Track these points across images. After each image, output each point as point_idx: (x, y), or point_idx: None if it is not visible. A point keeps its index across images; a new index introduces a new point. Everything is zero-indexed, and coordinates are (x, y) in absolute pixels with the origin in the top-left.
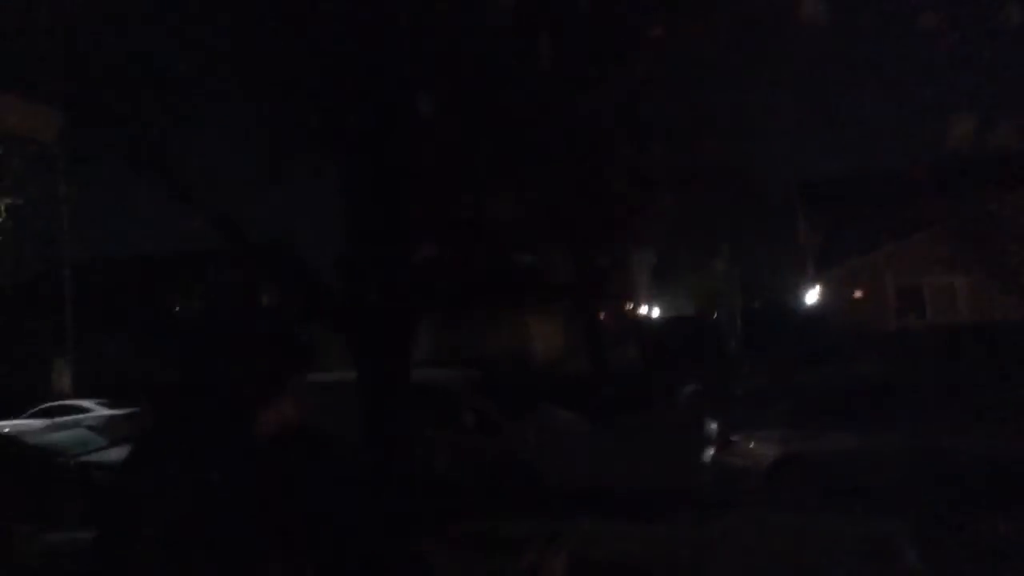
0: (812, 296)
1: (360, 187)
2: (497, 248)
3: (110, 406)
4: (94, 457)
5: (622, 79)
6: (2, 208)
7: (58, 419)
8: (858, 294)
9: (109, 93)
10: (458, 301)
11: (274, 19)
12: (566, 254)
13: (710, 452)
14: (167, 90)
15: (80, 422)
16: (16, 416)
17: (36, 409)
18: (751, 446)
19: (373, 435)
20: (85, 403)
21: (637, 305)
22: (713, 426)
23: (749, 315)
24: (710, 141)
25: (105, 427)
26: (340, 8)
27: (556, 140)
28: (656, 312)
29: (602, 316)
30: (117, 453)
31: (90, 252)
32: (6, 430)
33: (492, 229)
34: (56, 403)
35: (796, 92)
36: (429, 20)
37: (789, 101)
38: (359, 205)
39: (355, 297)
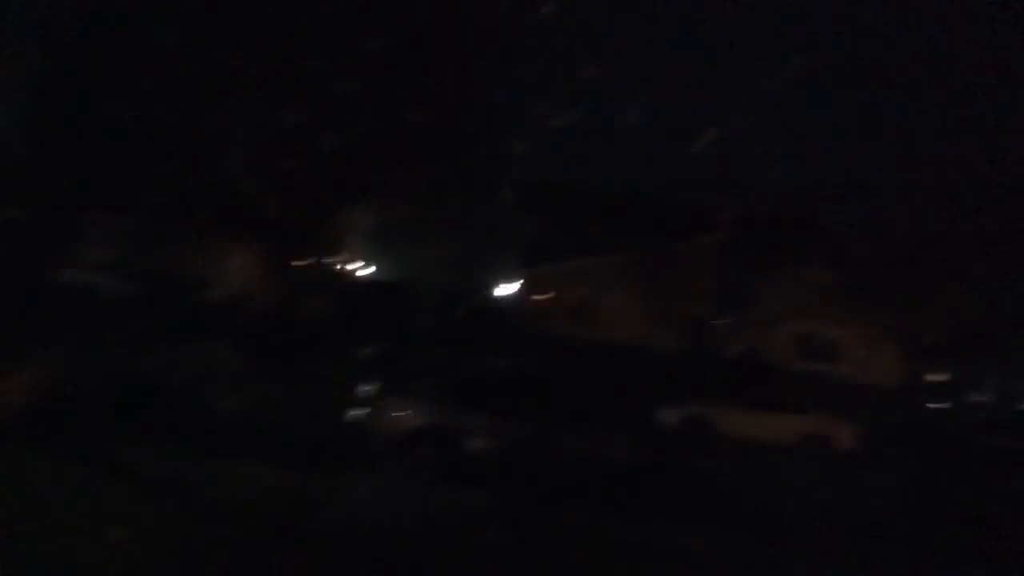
0: (509, 290)
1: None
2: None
3: None
4: None
5: None
6: None
7: None
8: (543, 297)
9: None
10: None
11: None
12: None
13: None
14: None
15: None
16: None
17: None
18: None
19: None
20: None
21: (341, 261)
22: (368, 388)
23: (448, 294)
24: None
25: None
26: None
27: None
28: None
29: (300, 263)
30: None
31: None
32: None
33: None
34: None
35: None
36: None
37: None
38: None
39: None
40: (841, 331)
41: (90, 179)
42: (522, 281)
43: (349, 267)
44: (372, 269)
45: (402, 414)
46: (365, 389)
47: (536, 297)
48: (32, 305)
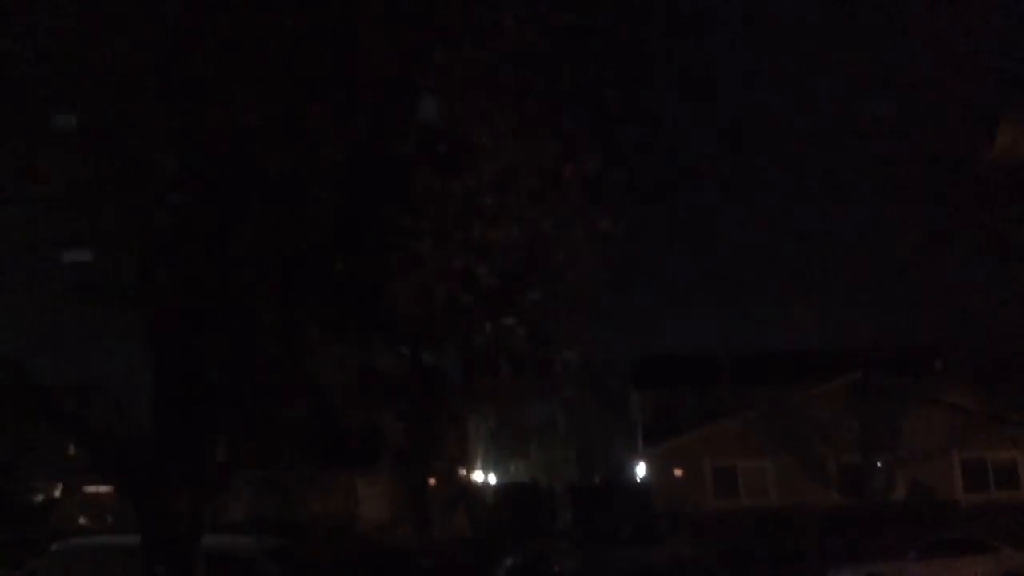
0: (639, 472)
1: (164, 350)
2: (318, 406)
3: None
4: None
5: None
6: None
7: None
8: (678, 473)
9: None
10: (268, 460)
11: None
12: (397, 414)
13: None
14: None
15: None
16: None
17: None
18: None
19: None
20: None
21: (471, 470)
22: None
23: (582, 487)
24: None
25: None
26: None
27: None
28: (492, 479)
29: (432, 481)
30: None
31: None
32: None
33: (313, 386)
34: None
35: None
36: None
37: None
38: (161, 368)
39: (146, 461)
40: (1007, 453)
41: (234, 448)
42: (650, 460)
43: (475, 478)
44: (496, 477)
45: None
46: None
47: (672, 473)
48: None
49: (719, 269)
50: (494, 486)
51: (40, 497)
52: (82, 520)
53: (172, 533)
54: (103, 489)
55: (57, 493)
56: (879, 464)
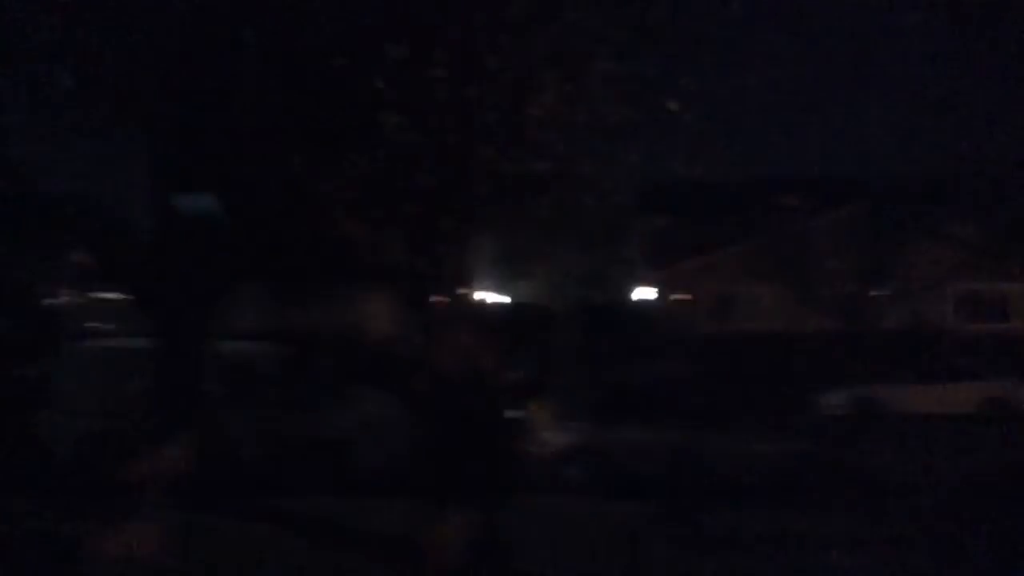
0: (645, 295)
1: (167, 149)
2: (319, 219)
3: None
4: None
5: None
6: None
7: None
8: (681, 297)
9: None
10: (273, 274)
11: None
12: (399, 231)
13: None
14: None
15: None
16: None
17: None
18: (546, 436)
19: (161, 403)
20: None
21: (475, 290)
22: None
23: (587, 308)
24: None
25: None
26: None
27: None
28: (495, 299)
29: (435, 299)
30: None
31: None
32: None
33: (313, 198)
34: None
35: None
36: None
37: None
38: (165, 165)
39: (154, 263)
40: (1006, 286)
41: (235, 253)
42: (657, 285)
43: (483, 296)
44: (506, 296)
45: (553, 434)
46: (516, 415)
47: (675, 298)
48: (196, 375)
49: (726, 93)
50: (494, 306)
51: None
52: (90, 324)
53: (179, 338)
54: (111, 296)
55: (66, 299)
56: (876, 293)
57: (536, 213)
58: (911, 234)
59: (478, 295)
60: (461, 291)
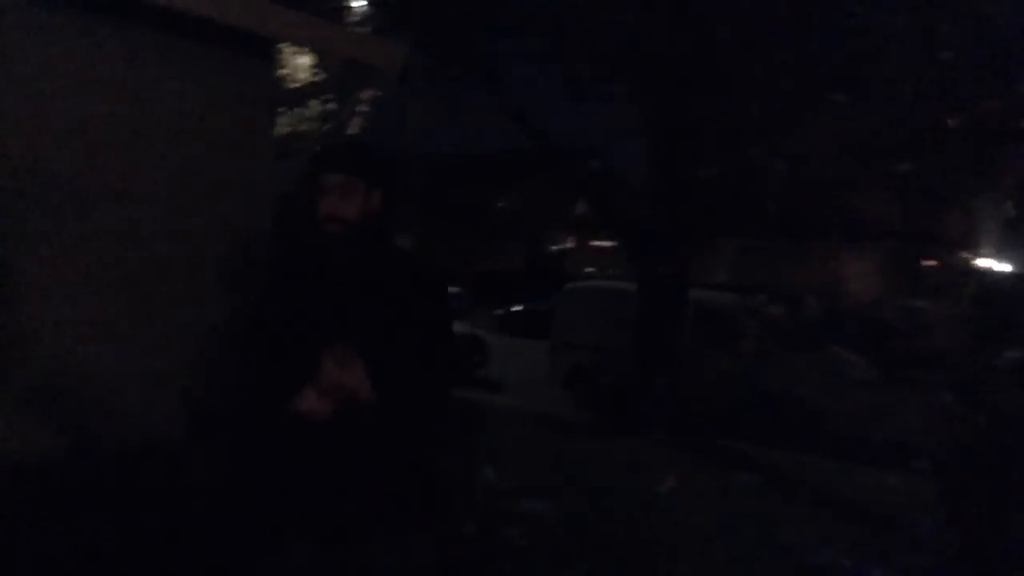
0: None
1: (661, 115)
2: (798, 179)
3: None
4: None
5: None
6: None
7: None
8: None
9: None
10: (759, 230)
11: None
12: (892, 188)
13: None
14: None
15: None
16: None
17: None
18: None
19: (645, 342)
20: None
21: (976, 255)
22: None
23: None
24: None
25: None
26: None
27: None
28: (1004, 268)
29: (928, 262)
30: None
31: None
32: None
33: (796, 158)
34: None
35: None
36: None
37: None
38: (659, 132)
39: (639, 219)
40: None
41: (715, 208)
42: None
43: (980, 263)
44: (1007, 264)
45: None
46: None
47: None
48: (675, 318)
49: None
50: (996, 274)
51: (555, 248)
52: (588, 269)
53: (661, 282)
54: (606, 243)
55: (569, 245)
56: None
57: None
58: None
59: (980, 262)
60: (959, 255)
